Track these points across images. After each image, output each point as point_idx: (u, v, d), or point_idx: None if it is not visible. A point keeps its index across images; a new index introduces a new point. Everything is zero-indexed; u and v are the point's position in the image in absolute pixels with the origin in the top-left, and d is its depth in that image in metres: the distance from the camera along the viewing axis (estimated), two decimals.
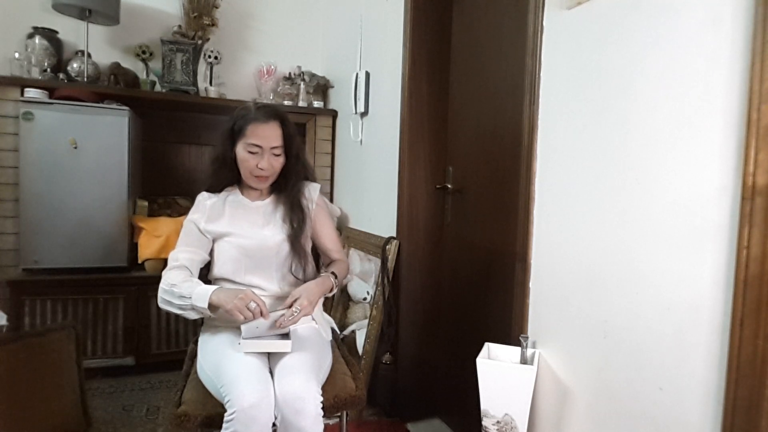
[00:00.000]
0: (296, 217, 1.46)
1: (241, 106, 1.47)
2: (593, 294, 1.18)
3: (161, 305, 1.32)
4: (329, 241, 1.56)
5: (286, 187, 1.48)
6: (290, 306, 1.29)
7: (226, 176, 1.49)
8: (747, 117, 0.86)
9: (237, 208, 1.48)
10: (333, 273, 1.46)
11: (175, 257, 1.39)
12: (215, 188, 1.50)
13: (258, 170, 1.41)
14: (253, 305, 1.22)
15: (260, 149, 1.40)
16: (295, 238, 1.44)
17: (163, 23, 2.74)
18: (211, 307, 1.25)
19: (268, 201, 1.51)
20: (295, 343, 1.27)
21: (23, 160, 2.19)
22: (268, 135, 1.40)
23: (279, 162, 1.44)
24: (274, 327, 1.26)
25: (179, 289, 1.28)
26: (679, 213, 0.98)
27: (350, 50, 2.63)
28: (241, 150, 1.42)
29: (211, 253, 1.46)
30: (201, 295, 1.25)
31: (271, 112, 1.43)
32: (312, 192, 1.54)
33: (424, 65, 2.03)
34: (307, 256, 1.49)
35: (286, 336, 1.26)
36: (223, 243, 1.44)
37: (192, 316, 1.30)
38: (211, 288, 1.27)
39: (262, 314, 1.23)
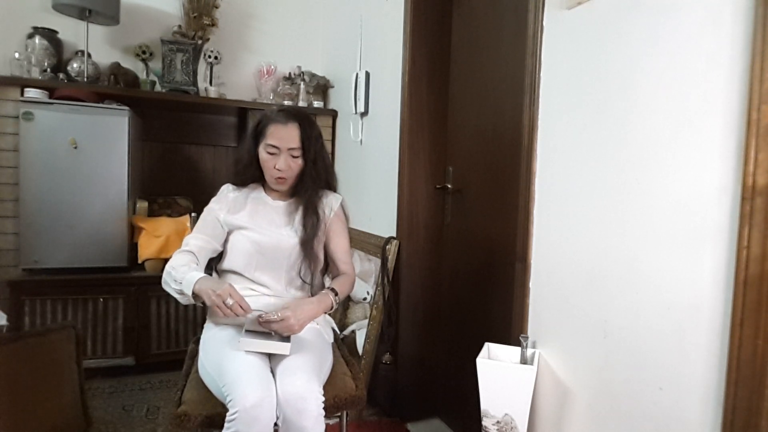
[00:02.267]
0: (311, 222, 1.45)
1: (269, 108, 1.48)
2: (593, 294, 1.18)
3: (163, 285, 1.35)
4: (340, 251, 1.54)
5: (303, 191, 1.47)
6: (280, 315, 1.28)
7: (251, 174, 1.50)
8: (747, 117, 0.86)
9: (258, 204, 1.49)
10: (333, 289, 1.44)
11: (186, 241, 1.42)
12: (239, 183, 1.52)
13: (276, 171, 1.42)
14: (230, 301, 1.21)
15: (278, 150, 1.41)
16: (308, 242, 1.44)
17: (163, 23, 2.74)
18: (196, 296, 1.26)
19: (290, 202, 1.51)
20: (297, 344, 1.27)
21: (23, 160, 2.19)
22: (285, 136, 1.41)
23: (297, 164, 1.44)
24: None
25: (176, 273, 1.30)
26: (679, 213, 0.98)
27: (350, 50, 2.63)
28: (262, 150, 1.44)
29: (225, 245, 1.47)
30: (189, 282, 1.27)
31: (290, 114, 1.44)
32: (333, 202, 1.53)
33: (424, 65, 2.03)
34: (318, 262, 1.50)
35: (286, 338, 1.26)
36: (239, 236, 1.44)
37: (185, 301, 1.31)
38: (197, 276, 1.27)
39: (243, 309, 1.23)
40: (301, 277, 1.45)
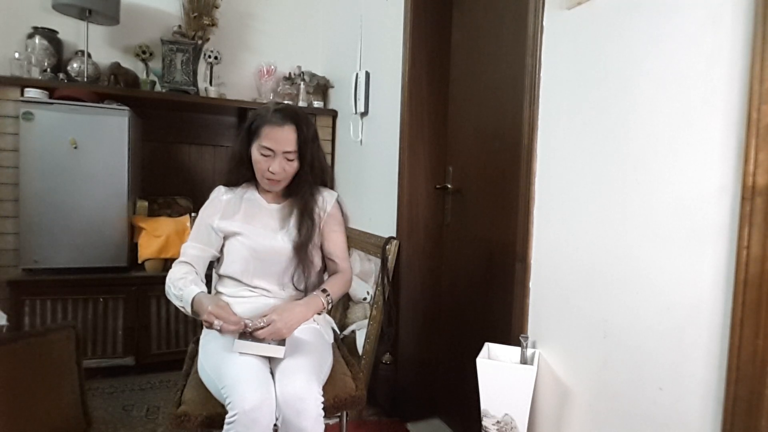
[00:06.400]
0: (306, 225, 1.43)
1: (262, 106, 1.47)
2: (593, 294, 1.18)
3: (167, 295, 1.37)
4: (336, 248, 1.52)
5: (298, 194, 1.45)
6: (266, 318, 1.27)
7: (244, 174, 1.48)
8: (747, 117, 0.86)
9: (252, 207, 1.47)
10: (324, 290, 1.40)
11: (184, 251, 1.43)
12: (233, 183, 1.50)
13: (269, 173, 1.39)
14: (217, 325, 1.20)
15: (272, 153, 1.37)
16: (303, 246, 1.42)
17: (163, 23, 2.74)
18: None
19: (284, 205, 1.49)
20: (296, 345, 1.27)
21: (23, 160, 2.19)
22: (281, 139, 1.37)
23: (292, 167, 1.41)
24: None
25: (174, 289, 1.33)
26: (679, 213, 0.98)
27: (350, 50, 2.63)
28: (255, 151, 1.41)
29: (222, 248, 1.47)
30: (187, 301, 1.29)
31: (287, 115, 1.39)
32: (327, 199, 1.51)
33: (424, 65, 2.03)
34: (313, 267, 1.48)
35: (281, 341, 1.25)
36: (235, 242, 1.43)
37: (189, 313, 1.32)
38: (192, 294, 1.28)
39: (232, 326, 1.22)
40: (293, 284, 1.44)
